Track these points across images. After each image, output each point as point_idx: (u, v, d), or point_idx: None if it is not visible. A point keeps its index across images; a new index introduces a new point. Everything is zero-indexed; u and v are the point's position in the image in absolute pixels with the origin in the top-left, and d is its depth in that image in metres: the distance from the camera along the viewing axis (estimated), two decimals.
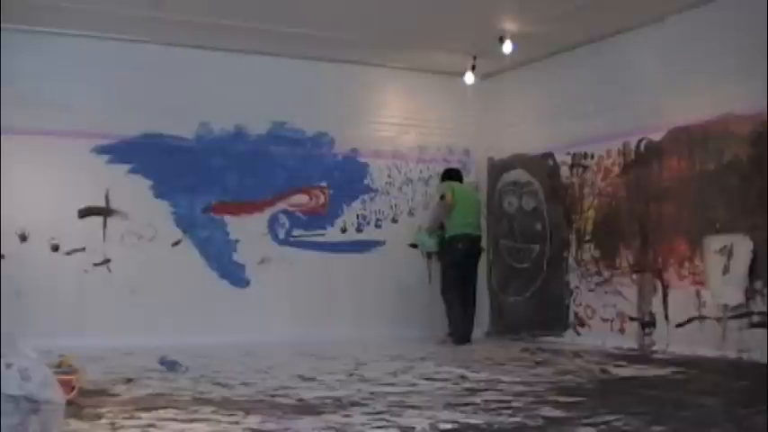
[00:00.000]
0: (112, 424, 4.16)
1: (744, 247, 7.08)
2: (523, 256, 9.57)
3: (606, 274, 8.49)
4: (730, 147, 7.26)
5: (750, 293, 7.02)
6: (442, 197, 9.18)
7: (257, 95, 9.16)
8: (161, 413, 4.49)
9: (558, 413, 4.55)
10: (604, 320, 8.48)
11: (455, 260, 9.00)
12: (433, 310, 9.43)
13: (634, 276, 8.17)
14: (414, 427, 4.12)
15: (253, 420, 4.30)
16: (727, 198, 7.27)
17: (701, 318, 7.43)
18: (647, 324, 7.98)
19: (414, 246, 9.52)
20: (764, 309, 6.90)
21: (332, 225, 9.57)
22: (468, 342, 8.93)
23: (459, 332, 8.81)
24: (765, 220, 6.86)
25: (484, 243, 10.11)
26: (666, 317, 7.79)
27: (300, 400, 5.01)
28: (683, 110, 7.69)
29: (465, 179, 10.16)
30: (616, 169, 8.45)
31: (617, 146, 8.42)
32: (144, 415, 4.42)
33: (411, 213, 9.89)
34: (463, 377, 6.10)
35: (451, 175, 9.44)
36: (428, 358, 7.41)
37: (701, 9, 7.51)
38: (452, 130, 10.16)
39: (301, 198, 9.44)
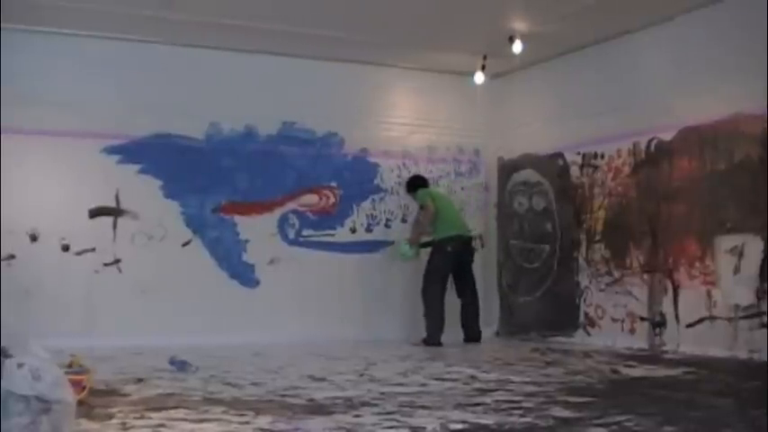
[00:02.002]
0: (123, 424, 4.16)
1: (755, 247, 7.05)
2: (533, 256, 9.56)
3: (616, 274, 8.47)
4: (741, 146, 7.24)
5: (761, 293, 7.00)
6: (422, 207, 9.18)
7: (267, 96, 9.16)
8: (171, 413, 4.50)
9: (568, 413, 4.54)
10: (615, 320, 8.46)
11: (443, 263, 8.96)
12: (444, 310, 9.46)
13: (644, 276, 8.15)
14: (424, 428, 4.11)
15: (263, 420, 4.30)
16: (738, 198, 7.24)
17: (712, 318, 7.41)
18: (658, 324, 7.96)
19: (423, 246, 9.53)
20: None
21: (341, 225, 9.56)
22: (478, 342, 8.98)
23: (434, 335, 8.72)
24: None
25: (494, 243, 10.16)
26: (677, 317, 7.77)
27: (311, 400, 5.01)
28: (693, 109, 7.66)
29: (475, 179, 10.21)
30: (626, 169, 8.43)
31: (627, 146, 8.40)
32: (154, 415, 4.43)
33: None
34: (473, 377, 6.09)
35: (420, 183, 9.43)
36: (438, 358, 7.41)
37: (711, 8, 7.49)
38: (462, 130, 10.15)
39: (311, 198, 9.44)
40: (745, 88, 7.12)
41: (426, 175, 9.88)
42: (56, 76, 8.42)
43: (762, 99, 6.90)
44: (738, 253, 7.19)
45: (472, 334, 9.04)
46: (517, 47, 8.49)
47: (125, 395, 5.12)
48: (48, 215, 8.37)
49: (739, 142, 7.25)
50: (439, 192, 9.58)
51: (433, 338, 8.69)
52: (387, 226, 9.73)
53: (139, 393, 5.20)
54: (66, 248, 8.44)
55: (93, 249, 8.54)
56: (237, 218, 9.11)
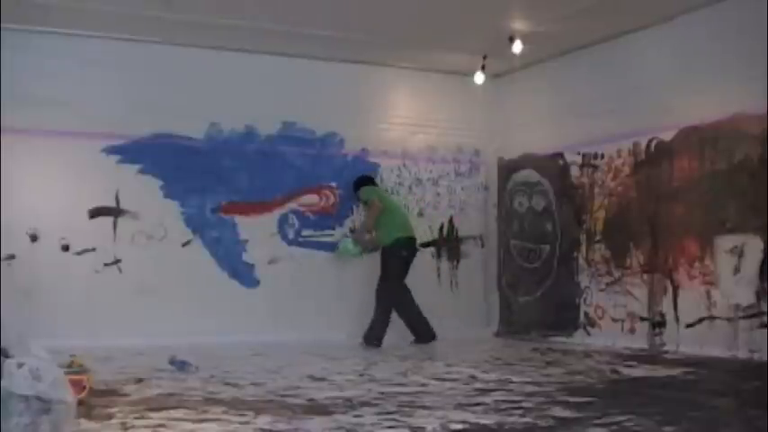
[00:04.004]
0: (123, 424, 4.17)
1: (755, 247, 7.06)
2: (534, 256, 9.55)
3: (616, 274, 8.47)
4: (741, 146, 7.24)
5: (761, 293, 7.00)
6: (366, 202, 9.09)
7: (267, 96, 9.16)
8: (171, 413, 4.50)
9: (568, 413, 4.54)
10: (615, 320, 8.46)
11: (399, 268, 8.78)
12: (444, 310, 9.48)
13: (644, 276, 8.15)
14: (424, 428, 4.12)
15: (263, 420, 4.31)
16: (738, 198, 7.25)
17: (712, 318, 7.41)
18: (658, 324, 7.96)
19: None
20: None
21: (341, 225, 9.55)
22: (433, 340, 8.77)
23: (379, 336, 8.54)
24: None
25: (494, 243, 10.17)
26: (677, 317, 7.77)
27: (311, 400, 5.02)
28: (693, 109, 7.66)
29: (475, 179, 10.21)
30: (626, 169, 8.43)
31: (627, 146, 8.40)
32: (154, 415, 4.44)
33: (421, 214, 9.88)
34: (473, 377, 6.10)
35: (366, 181, 9.25)
36: (438, 358, 7.41)
37: (712, 8, 7.49)
38: (462, 130, 10.14)
39: (311, 198, 9.43)
40: (745, 88, 7.12)
41: (426, 176, 9.93)
42: (56, 76, 8.40)
43: (762, 99, 6.90)
44: (738, 253, 7.19)
45: (428, 333, 8.82)
46: (517, 47, 8.49)
47: (125, 395, 5.12)
48: (48, 215, 8.36)
49: (739, 142, 7.25)
50: (385, 192, 9.38)
51: (376, 338, 8.53)
52: None
53: (139, 393, 5.21)
54: (66, 248, 8.44)
55: (94, 249, 8.53)
56: (237, 218, 9.11)
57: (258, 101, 9.13)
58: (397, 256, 8.84)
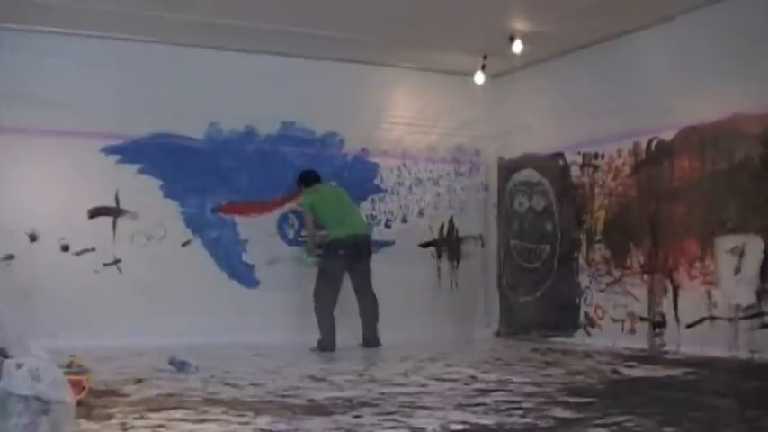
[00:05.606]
0: (123, 424, 4.16)
1: (755, 247, 7.05)
2: (534, 256, 9.55)
3: (617, 274, 8.47)
4: (742, 146, 7.23)
5: (762, 293, 6.99)
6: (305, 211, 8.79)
7: (267, 95, 9.15)
8: (171, 413, 4.50)
9: (568, 414, 4.54)
10: (615, 321, 8.45)
11: (334, 266, 8.44)
12: (444, 310, 9.48)
13: (645, 276, 8.14)
14: (424, 428, 4.11)
15: (263, 421, 4.30)
16: (739, 198, 7.24)
17: (712, 318, 7.40)
18: (658, 324, 7.96)
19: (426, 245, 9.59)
20: None
21: None
22: (376, 347, 8.45)
23: (326, 340, 8.23)
24: None
25: (494, 243, 10.15)
26: (677, 317, 7.77)
27: (311, 400, 5.01)
28: (694, 109, 7.66)
29: (475, 179, 10.20)
30: (627, 169, 8.42)
31: (628, 145, 8.39)
32: (154, 415, 4.43)
33: (421, 213, 9.88)
34: (473, 377, 6.09)
35: (307, 180, 8.85)
36: (438, 359, 7.40)
37: (713, 8, 7.48)
38: (462, 130, 10.14)
39: None
40: (746, 88, 7.11)
41: (426, 176, 9.92)
42: (56, 76, 8.40)
43: (761, 99, 6.90)
44: (739, 253, 7.19)
45: (368, 340, 8.56)
46: (517, 47, 8.48)
47: (125, 395, 5.12)
48: (47, 215, 8.35)
49: (740, 142, 7.25)
50: (324, 189, 8.95)
51: (324, 343, 8.22)
52: (387, 226, 9.72)
53: (139, 393, 5.20)
54: (65, 248, 8.43)
55: (93, 249, 8.53)
56: (237, 218, 9.10)
57: (258, 101, 9.12)
58: (332, 255, 8.49)
